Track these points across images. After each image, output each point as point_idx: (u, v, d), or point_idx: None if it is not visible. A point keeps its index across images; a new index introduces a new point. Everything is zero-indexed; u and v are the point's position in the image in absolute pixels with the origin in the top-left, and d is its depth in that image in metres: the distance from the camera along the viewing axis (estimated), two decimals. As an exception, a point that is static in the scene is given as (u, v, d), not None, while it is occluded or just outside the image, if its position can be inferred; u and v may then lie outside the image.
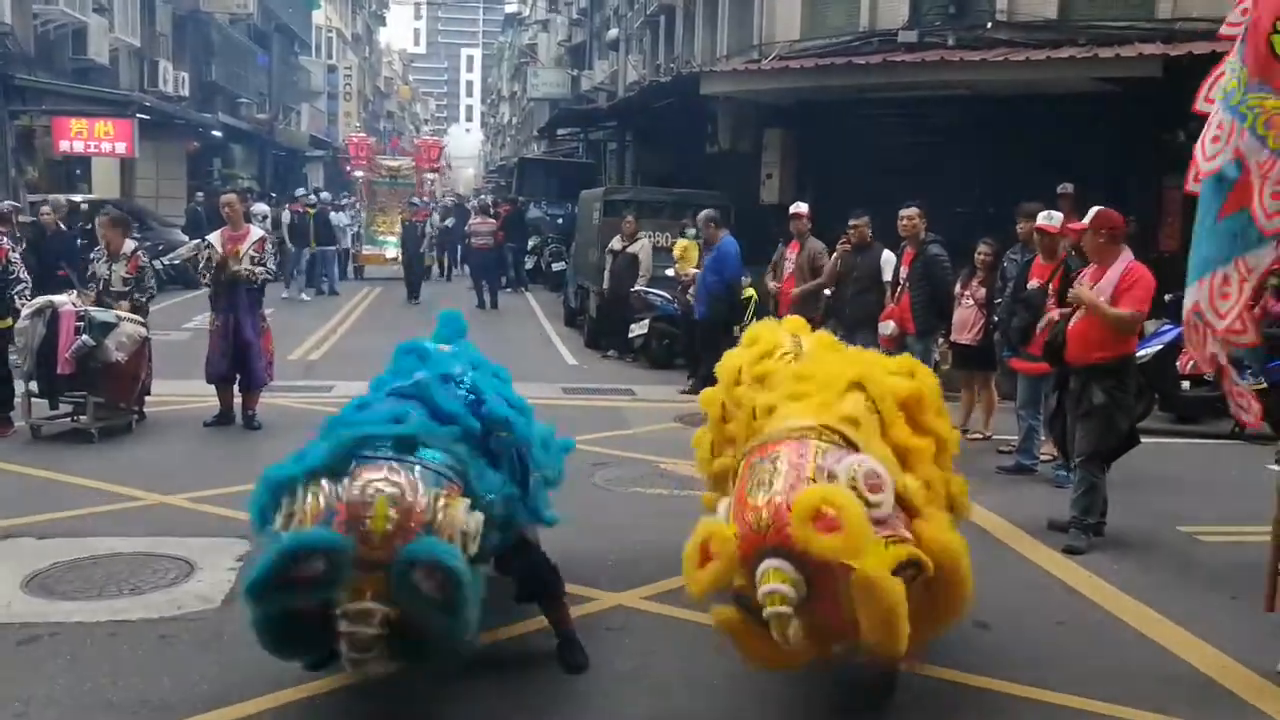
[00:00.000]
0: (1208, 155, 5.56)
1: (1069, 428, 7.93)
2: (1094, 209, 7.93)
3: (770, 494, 4.59)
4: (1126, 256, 7.72)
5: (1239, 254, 5.51)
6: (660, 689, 5.27)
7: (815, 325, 10.97)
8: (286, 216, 25.22)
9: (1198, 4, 15.61)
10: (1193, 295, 5.77)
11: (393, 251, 28.82)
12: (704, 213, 14.20)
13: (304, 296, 23.77)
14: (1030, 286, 9.26)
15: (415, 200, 28.95)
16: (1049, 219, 9.26)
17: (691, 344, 14.21)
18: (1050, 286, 8.82)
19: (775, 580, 4.44)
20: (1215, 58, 14.10)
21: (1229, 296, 5.55)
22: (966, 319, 10.71)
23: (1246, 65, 5.45)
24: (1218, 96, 5.67)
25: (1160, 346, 11.78)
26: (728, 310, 13.53)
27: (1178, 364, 11.58)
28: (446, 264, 32.16)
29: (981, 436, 10.78)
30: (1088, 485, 7.73)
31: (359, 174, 32.26)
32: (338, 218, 27.73)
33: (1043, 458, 9.71)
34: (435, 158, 33.68)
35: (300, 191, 29.24)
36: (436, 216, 31.86)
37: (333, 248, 26.16)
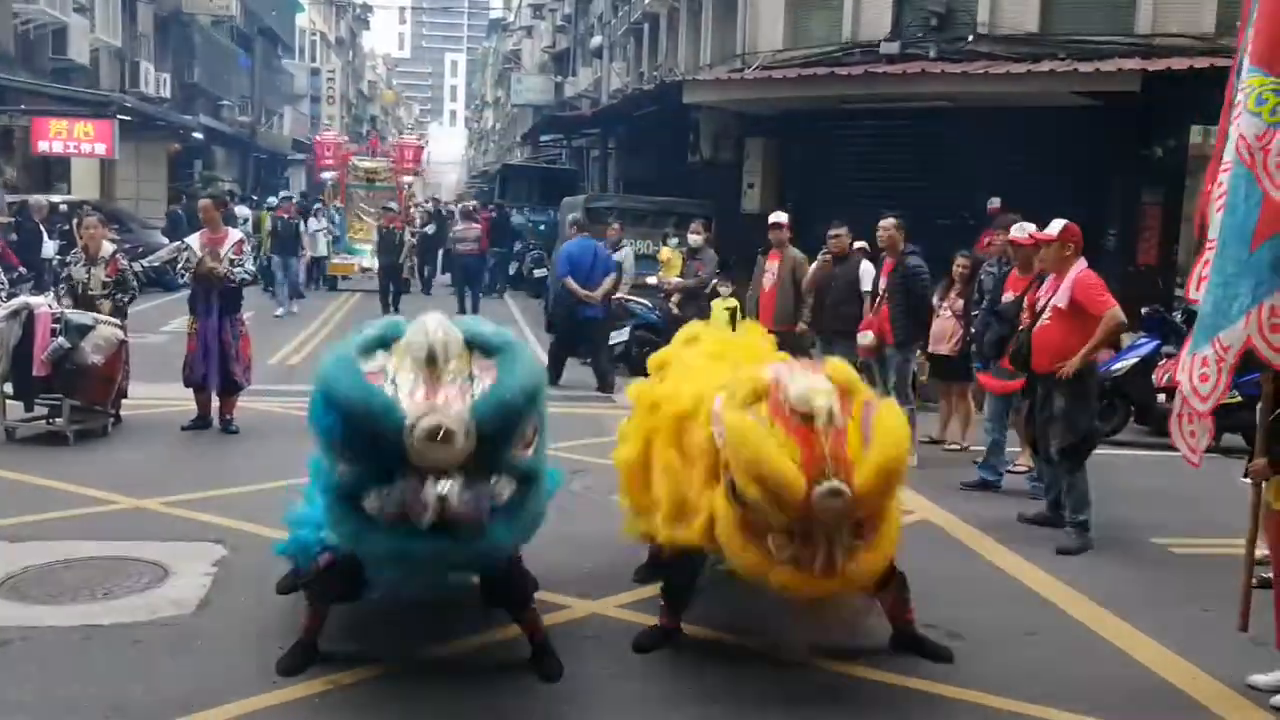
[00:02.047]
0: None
1: (1038, 431, 8.37)
2: (1059, 222, 8.13)
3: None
4: (1080, 265, 8.13)
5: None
6: (634, 698, 5.27)
7: (795, 335, 11.12)
8: (268, 223, 23.50)
9: (1175, 20, 15.76)
10: (1239, 332, 5.55)
11: (368, 261, 26.20)
12: (570, 215, 14.68)
13: (294, 309, 21.46)
14: (1005, 299, 9.34)
15: (390, 205, 26.14)
16: (1022, 231, 9.32)
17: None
18: (1025, 300, 8.95)
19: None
20: (1193, 73, 14.32)
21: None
22: (945, 330, 10.76)
23: (1249, 51, 5.49)
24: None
25: (1136, 360, 11.83)
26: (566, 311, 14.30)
27: (1153, 377, 11.64)
28: (426, 275, 28.77)
29: (959, 448, 10.81)
30: (1068, 484, 8.08)
31: (328, 176, 29.37)
32: (313, 223, 25.82)
33: (1018, 468, 9.74)
34: (415, 159, 30.30)
35: (284, 194, 27.70)
36: (418, 221, 31.14)
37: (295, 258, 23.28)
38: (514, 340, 5.16)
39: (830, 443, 4.85)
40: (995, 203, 14.49)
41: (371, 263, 25.25)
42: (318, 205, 27.69)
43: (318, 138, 34.10)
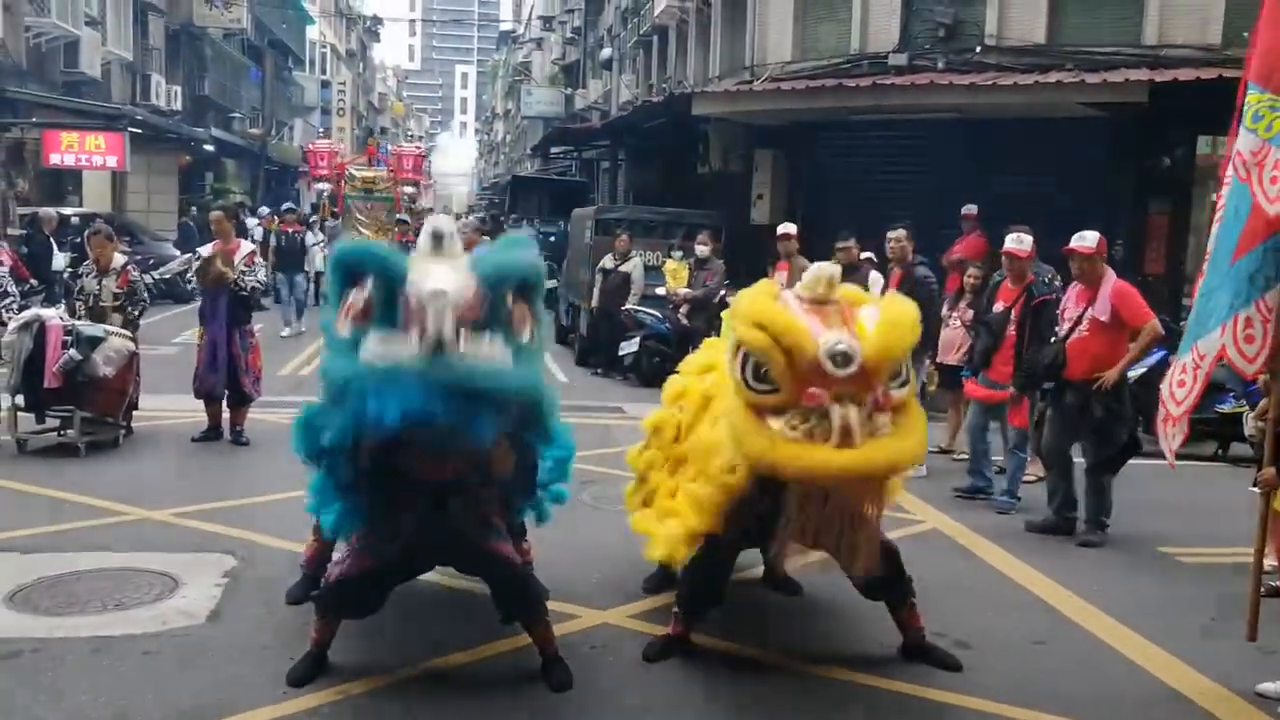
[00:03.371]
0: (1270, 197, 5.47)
1: (1056, 439, 8.48)
2: (1093, 234, 8.18)
3: None
4: (1111, 275, 8.24)
5: (1258, 295, 5.54)
6: (644, 708, 5.29)
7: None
8: (272, 239, 21.49)
9: (1183, 31, 15.77)
10: (1215, 341, 5.74)
11: None
12: (467, 219, 14.78)
13: (301, 328, 19.70)
14: (995, 310, 9.41)
15: (404, 218, 25.31)
16: (1018, 243, 9.34)
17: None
18: (1012, 312, 9.07)
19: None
20: (1200, 84, 14.31)
21: (1254, 340, 5.60)
22: (953, 340, 10.79)
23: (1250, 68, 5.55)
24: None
25: (1144, 370, 11.80)
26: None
27: (1161, 386, 11.61)
28: None
29: (967, 457, 10.81)
30: (1096, 490, 8.34)
31: (322, 186, 27.29)
32: (309, 237, 23.19)
33: (1029, 478, 9.74)
34: (415, 168, 27.90)
35: (286, 206, 24.44)
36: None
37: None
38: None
39: (837, 315, 5.02)
40: (972, 209, 14.60)
41: None
42: (313, 218, 25.88)
43: (310, 146, 32.00)
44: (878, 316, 5.10)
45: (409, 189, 25.93)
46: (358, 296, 4.90)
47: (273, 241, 20.87)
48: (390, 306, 4.74)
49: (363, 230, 24.48)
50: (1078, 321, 8.26)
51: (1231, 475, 10.58)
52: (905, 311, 5.19)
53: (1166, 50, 15.70)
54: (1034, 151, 16.77)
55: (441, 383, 4.58)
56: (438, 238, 5.08)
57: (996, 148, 16.98)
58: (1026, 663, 6.00)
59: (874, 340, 4.93)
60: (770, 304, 5.08)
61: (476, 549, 5.34)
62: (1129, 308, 8.11)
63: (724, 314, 5.49)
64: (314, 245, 23.26)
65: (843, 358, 4.81)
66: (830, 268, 5.19)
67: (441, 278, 4.74)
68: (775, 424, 4.92)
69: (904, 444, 5.01)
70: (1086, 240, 8.18)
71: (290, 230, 21.17)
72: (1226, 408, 11.29)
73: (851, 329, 4.96)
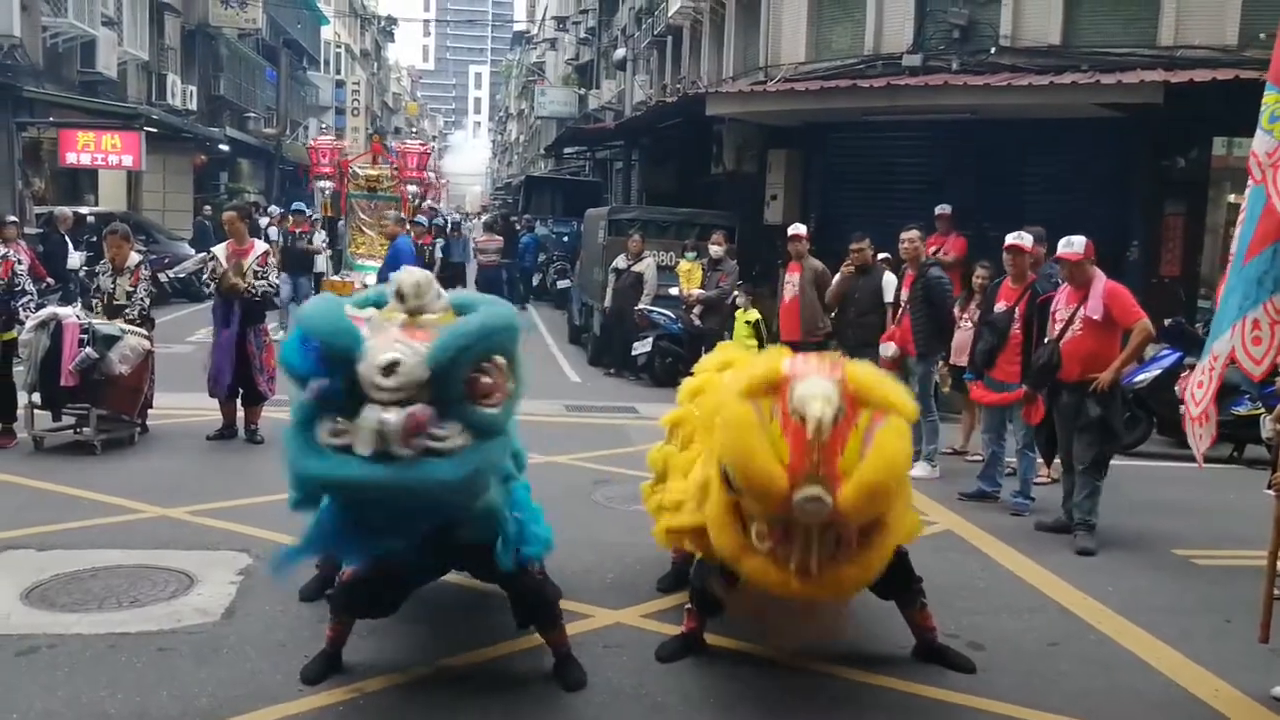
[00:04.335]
0: None
1: (1060, 440, 8.56)
2: (1080, 239, 8.20)
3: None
4: (1100, 275, 8.29)
5: (1265, 297, 5.54)
6: (657, 708, 5.29)
7: (818, 347, 11.13)
8: (279, 238, 20.81)
9: (1199, 32, 15.70)
10: (1226, 342, 5.76)
11: (373, 279, 21.59)
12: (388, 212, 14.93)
13: None
14: (997, 309, 9.41)
15: (419, 220, 24.30)
16: (1019, 238, 9.35)
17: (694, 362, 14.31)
18: (1016, 310, 9.07)
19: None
20: (1216, 85, 14.28)
21: (1260, 341, 5.60)
22: (965, 341, 10.76)
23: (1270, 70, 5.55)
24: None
25: (1159, 371, 11.81)
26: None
27: (1176, 388, 11.62)
28: None
29: (979, 458, 10.79)
30: (1090, 489, 8.27)
31: (324, 185, 25.07)
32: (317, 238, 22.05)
33: (1042, 479, 9.73)
34: (420, 167, 25.74)
35: (296, 206, 23.08)
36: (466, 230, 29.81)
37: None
38: (495, 300, 5.34)
39: (821, 451, 4.78)
40: (945, 208, 14.63)
41: (371, 282, 21.30)
42: (314, 218, 23.87)
43: (312, 143, 29.74)
44: (869, 452, 4.85)
45: (414, 188, 24.73)
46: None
47: (280, 241, 20.36)
48: (340, 377, 4.68)
49: (366, 231, 23.54)
50: (1070, 321, 8.27)
51: (1247, 478, 10.55)
52: (898, 459, 4.98)
53: (1182, 51, 15.64)
54: (1048, 153, 16.76)
55: (382, 489, 4.59)
56: (400, 296, 5.00)
57: (1010, 149, 16.97)
58: (1040, 664, 5.99)
59: (851, 492, 4.76)
60: (753, 433, 4.87)
61: (480, 562, 5.35)
62: (1120, 306, 8.16)
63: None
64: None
65: (815, 507, 4.76)
66: (823, 404, 4.80)
67: (396, 354, 4.62)
68: (746, 529, 5.07)
69: (860, 573, 5.14)
70: (1074, 246, 8.20)
71: (298, 230, 20.46)
72: (1242, 410, 11.28)
73: (832, 462, 4.79)
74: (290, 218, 21.62)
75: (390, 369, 4.57)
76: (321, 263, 22.25)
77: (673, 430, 6.60)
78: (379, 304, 5.24)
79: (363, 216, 23.73)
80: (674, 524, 5.88)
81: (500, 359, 4.98)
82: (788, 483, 4.73)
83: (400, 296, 4.99)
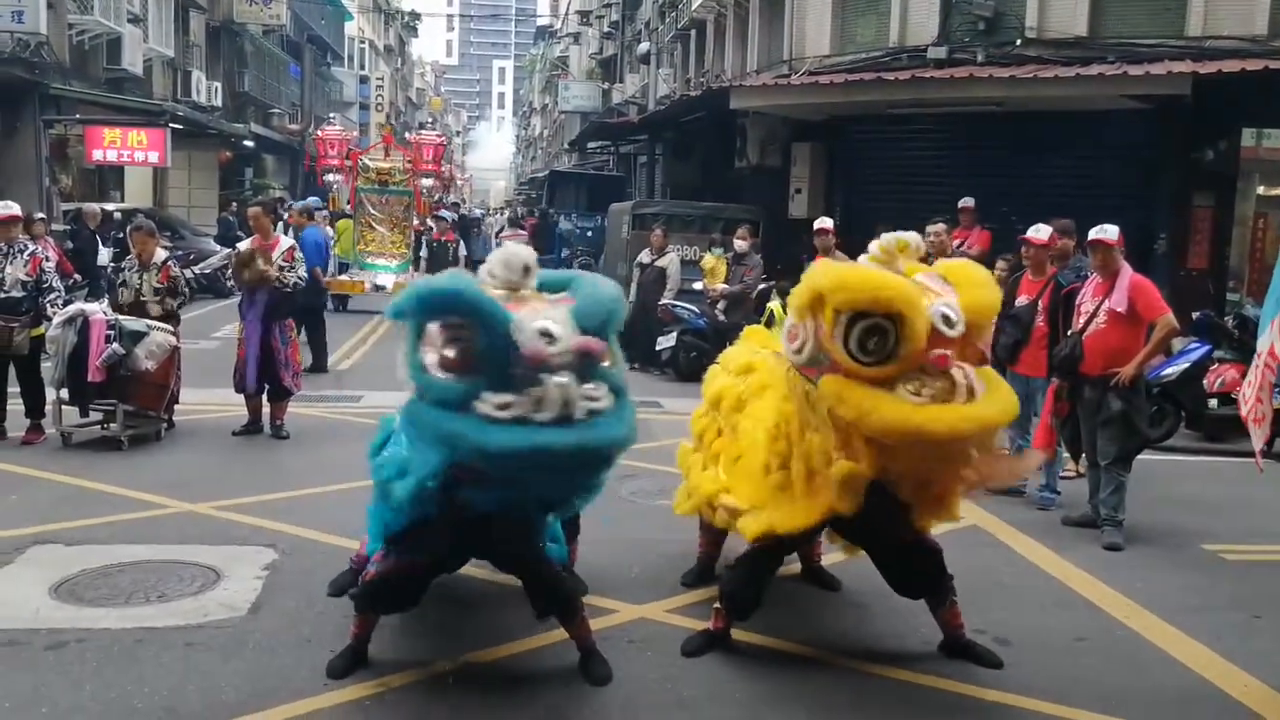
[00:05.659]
0: None
1: (1084, 434, 8.46)
2: (1108, 227, 8.12)
3: None
4: (1127, 269, 8.22)
5: None
6: (683, 702, 5.28)
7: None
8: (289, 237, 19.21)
9: (1228, 22, 15.58)
10: (1268, 339, 5.79)
11: (385, 278, 22.02)
12: (299, 203, 14.89)
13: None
14: (1019, 303, 9.34)
15: (443, 215, 24.00)
16: (1036, 231, 9.29)
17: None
18: (1040, 303, 9.01)
19: None
20: (1245, 76, 14.16)
21: None
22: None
23: None
24: None
25: (1187, 365, 11.72)
26: (315, 296, 14.32)
27: (1204, 382, 11.55)
28: None
29: (1005, 452, 10.75)
30: (1115, 485, 8.21)
31: (332, 178, 24.05)
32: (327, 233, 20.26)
33: (1068, 474, 9.66)
34: (435, 159, 24.46)
35: (314, 201, 21.65)
36: (488, 226, 28.77)
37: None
38: (593, 276, 5.37)
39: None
40: (969, 202, 14.55)
41: (388, 280, 21.82)
42: (322, 212, 22.09)
43: (319, 133, 27.77)
44: (949, 283, 5.14)
45: (429, 181, 23.45)
46: (443, 338, 4.76)
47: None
48: (494, 355, 4.63)
49: (377, 227, 22.86)
50: (1094, 314, 8.21)
51: (1277, 471, 10.46)
52: (978, 272, 5.28)
53: (1211, 41, 15.53)
54: (1075, 145, 16.67)
55: (576, 457, 4.65)
56: (527, 270, 4.99)
57: (1037, 141, 16.89)
58: (1067, 660, 5.96)
59: (967, 301, 4.99)
60: (876, 272, 5.02)
61: (510, 550, 5.36)
62: (1144, 300, 8.07)
63: (794, 290, 5.27)
64: (321, 242, 19.82)
65: (949, 320, 4.88)
66: (903, 235, 5.21)
67: (547, 321, 4.66)
68: (897, 393, 4.92)
69: (1008, 399, 5.15)
70: (1108, 233, 8.16)
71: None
72: (1276, 403, 11.16)
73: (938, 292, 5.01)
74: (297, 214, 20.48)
75: (549, 336, 4.61)
76: (330, 262, 20.44)
77: (715, 403, 6.46)
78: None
79: (373, 212, 22.98)
80: (722, 490, 5.87)
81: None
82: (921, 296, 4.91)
83: (526, 270, 4.99)
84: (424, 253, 21.53)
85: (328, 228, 20.26)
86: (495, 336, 4.60)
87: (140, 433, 10.23)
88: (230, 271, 10.98)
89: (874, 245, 5.25)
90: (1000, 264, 10.91)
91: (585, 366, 4.69)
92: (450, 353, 4.72)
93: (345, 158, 23.48)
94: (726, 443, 6.14)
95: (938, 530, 5.91)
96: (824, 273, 5.09)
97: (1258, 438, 5.94)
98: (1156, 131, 15.78)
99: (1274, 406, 10.98)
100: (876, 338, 4.86)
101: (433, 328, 4.78)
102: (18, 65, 23.78)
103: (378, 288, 21.69)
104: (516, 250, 5.05)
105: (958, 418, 4.84)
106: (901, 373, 4.88)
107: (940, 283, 5.14)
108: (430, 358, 4.77)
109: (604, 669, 5.42)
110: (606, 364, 4.89)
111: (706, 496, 6.10)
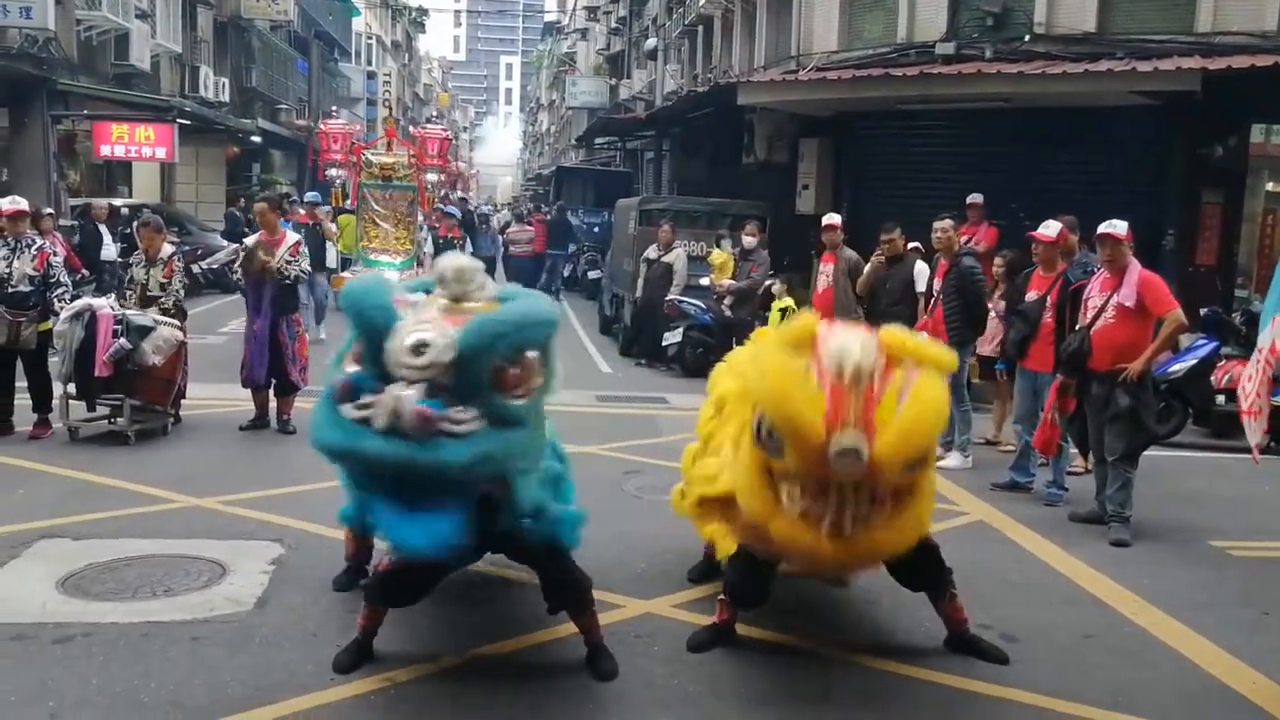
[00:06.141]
0: None
1: (1091, 430, 8.44)
2: (1117, 222, 8.10)
3: None
4: (1135, 264, 8.20)
5: None
6: (689, 698, 5.28)
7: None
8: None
9: (1237, 18, 15.51)
10: (1268, 335, 5.80)
11: (388, 275, 18.34)
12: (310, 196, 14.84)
13: (321, 335, 16.90)
14: (1028, 299, 9.35)
15: (450, 210, 23.62)
16: (1046, 228, 9.28)
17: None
18: (1048, 299, 9.01)
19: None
20: (1254, 72, 14.11)
21: None
22: (991, 331, 10.76)
23: None
24: None
25: (1195, 361, 11.71)
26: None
27: (1212, 379, 11.53)
28: None
29: (1013, 447, 10.73)
30: (1123, 481, 8.18)
31: (335, 173, 23.51)
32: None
33: (1076, 469, 9.64)
34: (440, 154, 23.90)
35: (313, 196, 21.24)
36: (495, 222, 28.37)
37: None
38: (534, 294, 5.35)
39: (858, 403, 4.71)
40: (977, 198, 14.52)
41: (391, 277, 18.51)
42: (325, 208, 21.81)
43: (322, 126, 26.97)
44: (906, 402, 4.80)
45: (434, 176, 22.84)
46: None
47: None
48: (372, 351, 4.77)
49: (380, 223, 22.29)
50: (1102, 309, 8.19)
51: (1283, 468, 10.46)
52: (935, 407, 4.91)
53: (1220, 37, 15.46)
54: (1083, 141, 16.61)
55: (389, 464, 4.66)
56: (441, 280, 5.06)
57: (1045, 137, 16.84)
58: (1074, 656, 5.95)
59: (889, 440, 4.70)
60: (792, 379, 4.82)
61: (524, 541, 5.35)
62: (1153, 295, 8.06)
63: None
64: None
65: (851, 459, 4.67)
66: (859, 355, 4.81)
67: (427, 334, 4.67)
68: (777, 490, 4.99)
69: (894, 537, 5.05)
70: (1117, 227, 8.14)
71: (313, 223, 18.99)
72: (1276, 399, 11.14)
73: (868, 416, 4.73)
74: (301, 208, 20.20)
75: (419, 349, 4.61)
76: (331, 258, 20.62)
77: (718, 406, 6.48)
78: (430, 289, 5.31)
79: (376, 208, 22.38)
80: (708, 491, 5.84)
81: (532, 353, 4.99)
82: (824, 430, 4.66)
83: (441, 281, 5.02)
84: (429, 248, 21.03)
85: (331, 224, 20.21)
86: (370, 337, 4.74)
87: (147, 427, 10.25)
88: (238, 264, 10.94)
89: (832, 357, 4.87)
90: (998, 261, 10.92)
91: (459, 385, 4.67)
92: (358, 347, 4.90)
93: (348, 152, 23.15)
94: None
95: (946, 524, 5.91)
96: (760, 358, 5.12)
97: (1253, 431, 5.95)
98: (1165, 128, 15.73)
99: (1273, 403, 11.04)
100: (773, 435, 4.90)
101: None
102: (26, 61, 23.81)
103: None
104: (450, 259, 5.14)
105: (804, 544, 4.95)
106: (790, 474, 4.93)
107: (907, 388, 4.88)
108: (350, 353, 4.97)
109: (610, 664, 5.43)
110: (520, 391, 4.91)
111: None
